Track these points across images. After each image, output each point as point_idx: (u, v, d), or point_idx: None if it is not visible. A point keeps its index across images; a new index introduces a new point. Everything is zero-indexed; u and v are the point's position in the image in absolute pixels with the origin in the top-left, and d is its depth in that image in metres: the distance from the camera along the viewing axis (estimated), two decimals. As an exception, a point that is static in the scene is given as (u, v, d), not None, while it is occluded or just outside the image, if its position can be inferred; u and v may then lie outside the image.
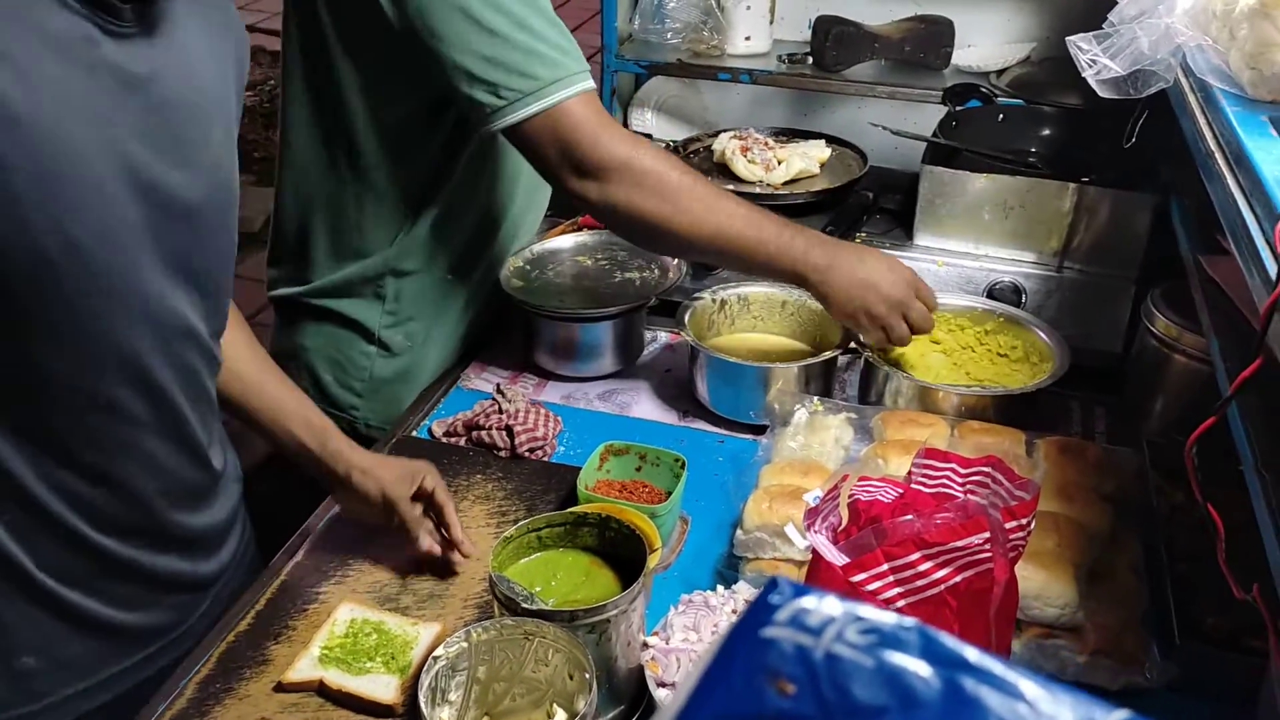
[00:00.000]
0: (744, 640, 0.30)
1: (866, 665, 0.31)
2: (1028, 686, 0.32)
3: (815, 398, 1.54)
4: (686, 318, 1.65)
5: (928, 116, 2.09)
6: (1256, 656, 1.12)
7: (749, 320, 1.74)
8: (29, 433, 1.01)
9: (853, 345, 1.58)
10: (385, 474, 1.30)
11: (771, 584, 0.32)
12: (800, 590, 0.31)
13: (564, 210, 1.99)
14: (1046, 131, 1.94)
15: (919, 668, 0.32)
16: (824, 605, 0.30)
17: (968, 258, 1.76)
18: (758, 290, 1.73)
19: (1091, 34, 0.74)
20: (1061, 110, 1.95)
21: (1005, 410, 1.51)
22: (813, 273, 1.45)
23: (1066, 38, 0.79)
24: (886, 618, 0.32)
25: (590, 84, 1.42)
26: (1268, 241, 0.56)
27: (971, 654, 0.33)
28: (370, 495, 1.29)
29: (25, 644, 1.10)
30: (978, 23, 2.21)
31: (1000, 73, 2.13)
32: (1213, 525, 0.64)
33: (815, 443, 1.46)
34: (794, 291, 1.70)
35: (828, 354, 1.58)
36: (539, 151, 1.42)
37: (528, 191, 1.72)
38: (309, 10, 1.47)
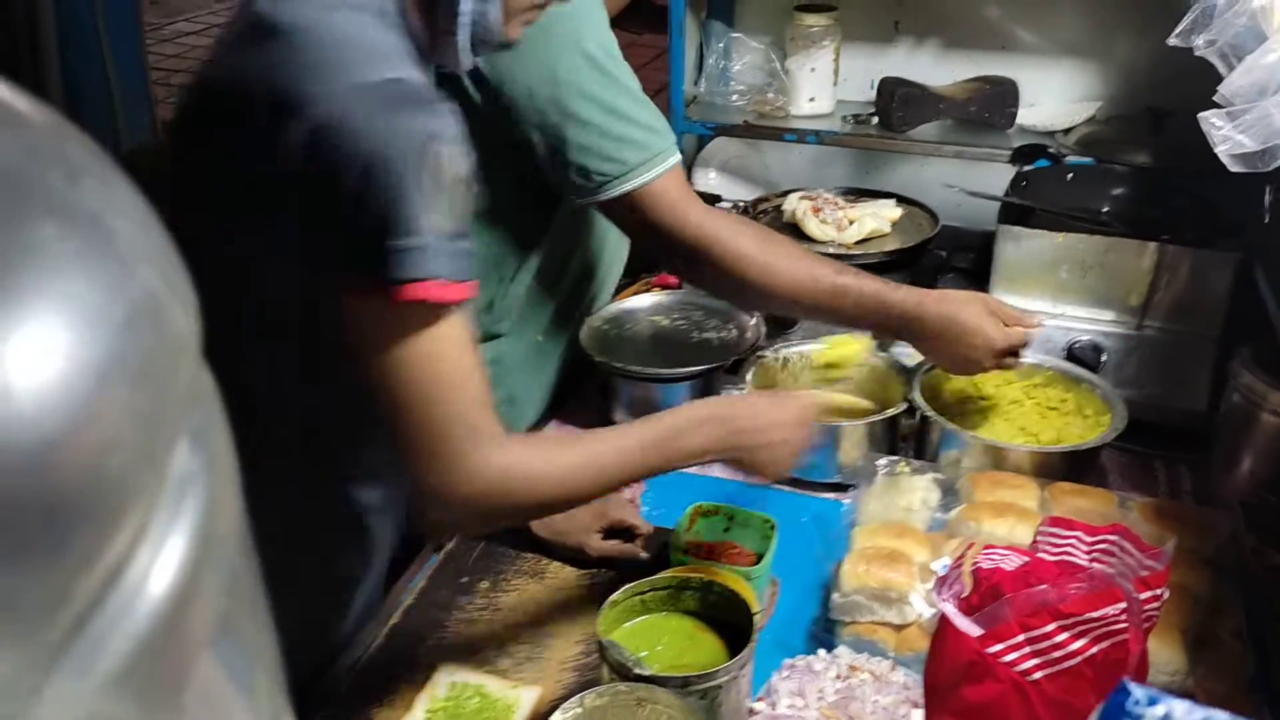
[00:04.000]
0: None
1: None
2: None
3: (899, 458, 1.54)
4: (750, 376, 1.66)
5: (993, 176, 2.10)
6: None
7: (808, 377, 1.75)
8: None
9: (909, 401, 1.59)
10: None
11: (1123, 691, 0.33)
12: (1153, 699, 0.32)
13: (639, 269, 2.02)
14: (1117, 190, 1.95)
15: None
16: (1184, 714, 0.31)
17: (1046, 317, 1.76)
18: (819, 347, 1.74)
19: (1224, 110, 0.76)
20: (1131, 169, 1.96)
21: (1074, 465, 1.51)
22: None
23: (1199, 114, 0.80)
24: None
25: (675, 157, 1.47)
26: None
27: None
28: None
29: None
30: (1041, 82, 2.24)
31: (1066, 131, 2.15)
32: None
33: (902, 504, 1.46)
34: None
35: (891, 411, 1.59)
36: (625, 224, 1.51)
37: (613, 250, 1.75)
38: None
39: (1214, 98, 0.94)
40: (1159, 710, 0.31)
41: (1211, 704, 1.16)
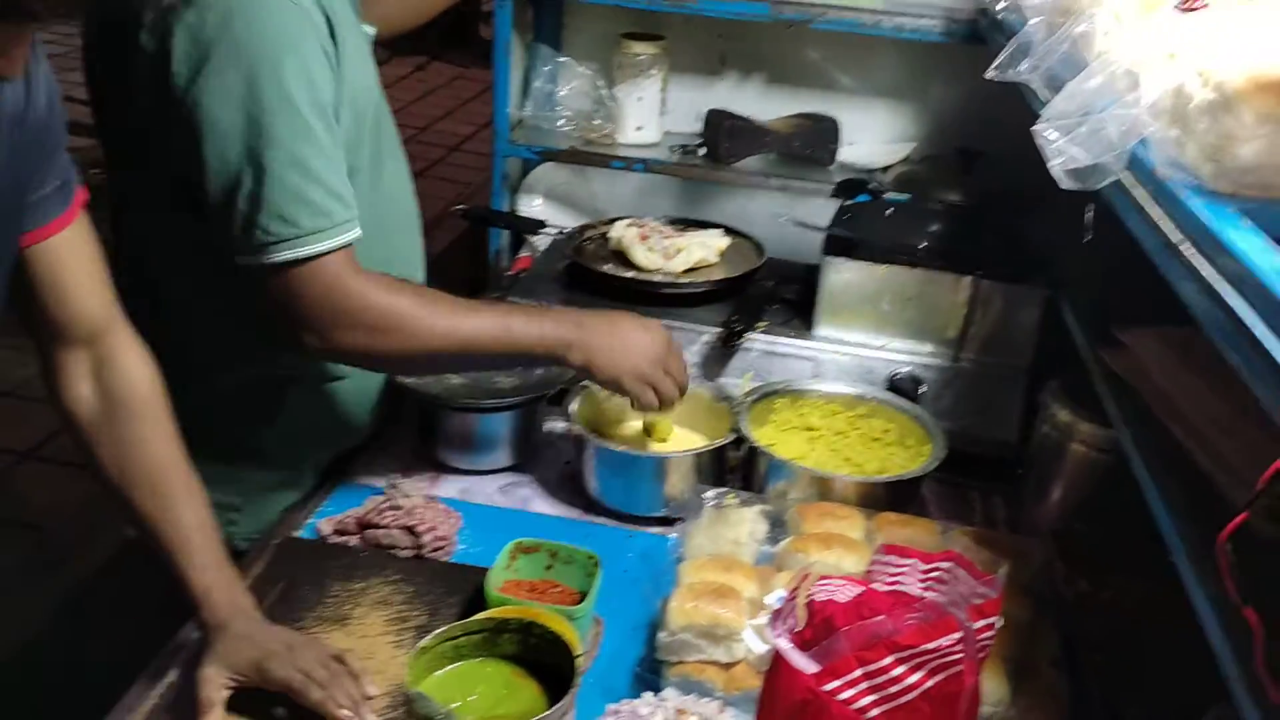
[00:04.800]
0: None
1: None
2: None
3: (727, 489, 1.50)
4: (574, 407, 1.60)
5: (816, 210, 2.12)
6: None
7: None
8: None
9: (737, 431, 1.56)
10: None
11: None
12: None
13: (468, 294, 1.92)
14: (933, 226, 1.99)
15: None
16: None
17: (867, 348, 1.78)
18: None
19: (1058, 123, 0.75)
20: (946, 206, 2.01)
21: (897, 495, 1.52)
22: (565, 349, 1.42)
23: (1032, 127, 0.79)
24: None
25: (354, 233, 1.31)
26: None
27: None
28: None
29: None
30: (860, 122, 2.29)
31: (884, 169, 2.20)
32: (1248, 628, 0.62)
33: (730, 537, 1.41)
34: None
35: (719, 441, 1.56)
36: (268, 296, 1.31)
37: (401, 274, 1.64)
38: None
39: (1035, 124, 0.94)
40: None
41: (1034, 733, 1.16)
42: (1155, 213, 0.79)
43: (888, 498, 1.50)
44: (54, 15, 0.85)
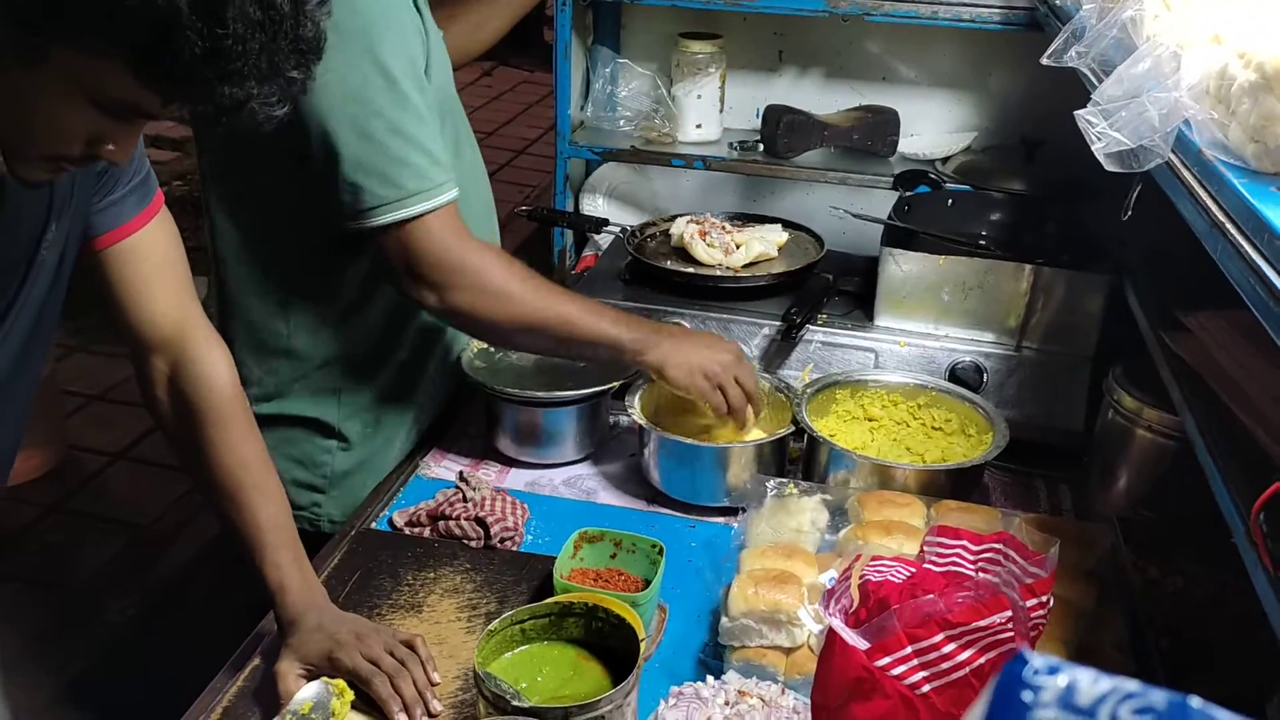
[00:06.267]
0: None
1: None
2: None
3: (789, 479, 1.52)
4: (636, 400, 1.63)
5: (876, 202, 2.13)
6: (1252, 733, 1.11)
7: (695, 400, 1.72)
8: None
9: (797, 422, 1.58)
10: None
11: (1020, 661, 0.29)
12: (1054, 667, 0.28)
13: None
14: (994, 216, 1.99)
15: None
16: (1090, 683, 0.28)
17: (929, 338, 1.78)
18: None
19: (1099, 108, 0.76)
20: (1007, 195, 2.00)
21: (959, 483, 1.52)
22: (644, 347, 1.52)
23: (1075, 111, 0.80)
24: (1157, 694, 0.29)
25: (453, 193, 1.43)
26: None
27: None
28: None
29: None
30: (920, 113, 2.28)
31: (945, 160, 2.19)
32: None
33: (791, 525, 1.43)
34: None
35: (781, 432, 1.58)
36: (387, 257, 1.43)
37: None
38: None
39: (1077, 112, 0.94)
40: (1061, 680, 0.27)
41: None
42: (1201, 194, 0.79)
43: (949, 486, 1.51)
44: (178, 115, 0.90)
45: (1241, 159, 0.75)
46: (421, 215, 1.39)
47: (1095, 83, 1.03)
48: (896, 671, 0.77)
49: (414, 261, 1.41)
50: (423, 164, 1.38)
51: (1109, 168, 0.78)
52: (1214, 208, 0.76)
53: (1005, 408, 1.69)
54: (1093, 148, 0.78)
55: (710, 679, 1.18)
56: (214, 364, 1.24)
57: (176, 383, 1.23)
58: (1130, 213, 1.05)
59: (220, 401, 1.23)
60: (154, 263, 1.18)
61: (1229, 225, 0.73)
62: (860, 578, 0.87)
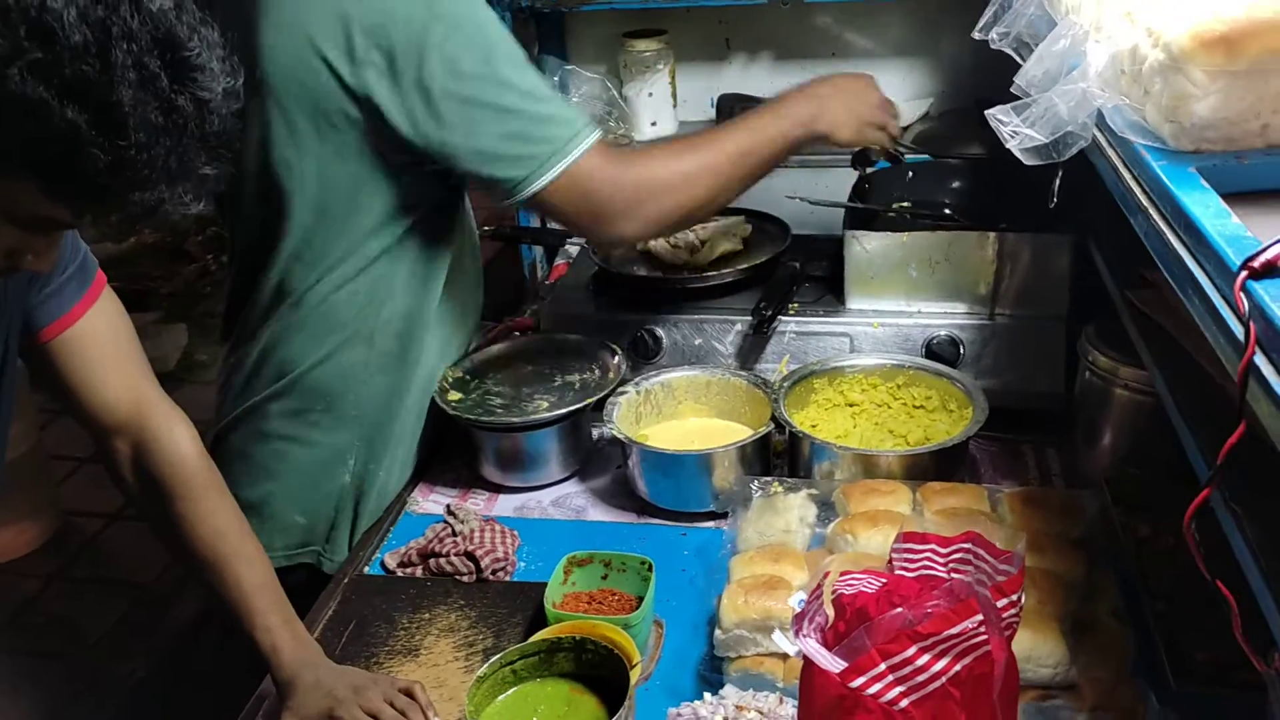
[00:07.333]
0: None
1: None
2: None
3: (773, 478, 1.52)
4: (615, 415, 1.62)
5: (839, 181, 2.12)
6: (1251, 690, 1.11)
7: (674, 406, 1.72)
8: None
9: (776, 418, 1.57)
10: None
11: None
12: None
13: (498, 313, 1.97)
14: (956, 183, 1.98)
15: None
16: None
17: (902, 315, 1.77)
18: (678, 375, 1.72)
19: (1010, 105, 0.75)
20: (967, 161, 1.99)
21: (943, 462, 1.51)
22: (812, 122, 1.58)
23: (985, 111, 0.79)
24: None
25: (597, 131, 1.46)
26: (1227, 302, 0.56)
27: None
28: None
29: None
30: (874, 84, 2.26)
31: (904, 129, 2.17)
32: (1225, 601, 0.62)
33: (779, 525, 1.43)
34: (715, 371, 1.72)
35: (761, 431, 1.57)
36: (563, 214, 1.49)
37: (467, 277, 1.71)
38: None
39: (1010, 89, 0.94)
40: None
41: (1097, 691, 1.16)
42: (1126, 176, 0.79)
43: (934, 467, 1.50)
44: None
45: (1159, 139, 0.74)
46: (580, 158, 1.42)
47: (1022, 61, 1.02)
48: (872, 690, 0.76)
49: (592, 204, 1.45)
50: (560, 111, 1.43)
51: (1027, 162, 0.77)
52: (1137, 191, 0.76)
53: (985, 377, 1.68)
54: (1007, 145, 0.77)
55: (708, 696, 1.18)
56: (177, 440, 1.23)
57: (141, 463, 1.23)
58: (1056, 199, 1.03)
59: (188, 476, 1.22)
60: (101, 346, 1.16)
61: (1152, 211, 0.72)
62: (833, 593, 0.87)
